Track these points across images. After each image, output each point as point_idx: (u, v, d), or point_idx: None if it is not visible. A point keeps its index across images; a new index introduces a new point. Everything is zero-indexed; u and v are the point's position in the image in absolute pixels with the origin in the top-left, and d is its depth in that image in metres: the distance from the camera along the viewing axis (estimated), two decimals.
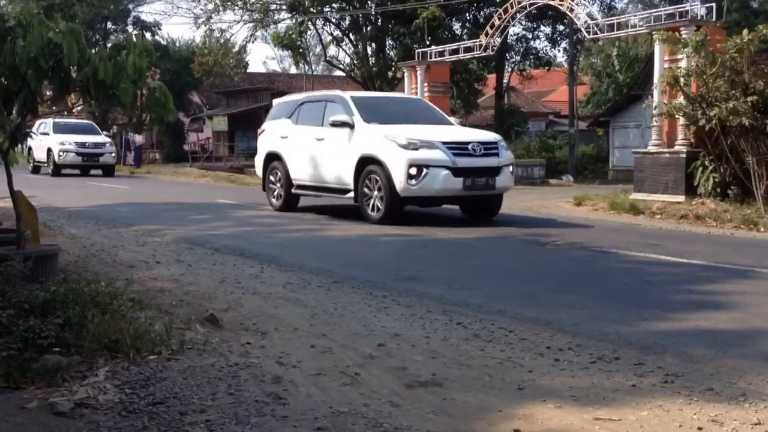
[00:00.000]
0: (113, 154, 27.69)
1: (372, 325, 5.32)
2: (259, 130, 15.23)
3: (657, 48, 16.39)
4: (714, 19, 16.47)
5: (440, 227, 11.48)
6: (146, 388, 3.82)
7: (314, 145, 13.02)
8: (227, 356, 4.41)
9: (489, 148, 11.78)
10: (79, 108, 38.89)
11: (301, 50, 34.96)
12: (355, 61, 31.01)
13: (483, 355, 4.63)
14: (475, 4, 29.41)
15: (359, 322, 5.41)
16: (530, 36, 32.24)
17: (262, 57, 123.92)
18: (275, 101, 15.70)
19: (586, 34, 20.15)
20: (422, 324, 5.40)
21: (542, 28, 31.90)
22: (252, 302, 6.02)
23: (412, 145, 11.41)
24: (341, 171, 12.36)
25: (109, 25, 44.75)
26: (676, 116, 15.21)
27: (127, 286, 5.57)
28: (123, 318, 4.65)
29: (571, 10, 19.84)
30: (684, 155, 15.11)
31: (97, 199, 16.57)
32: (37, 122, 25.52)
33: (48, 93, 6.11)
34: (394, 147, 11.46)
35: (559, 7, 20.42)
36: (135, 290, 5.91)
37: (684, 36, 15.20)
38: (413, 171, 11.25)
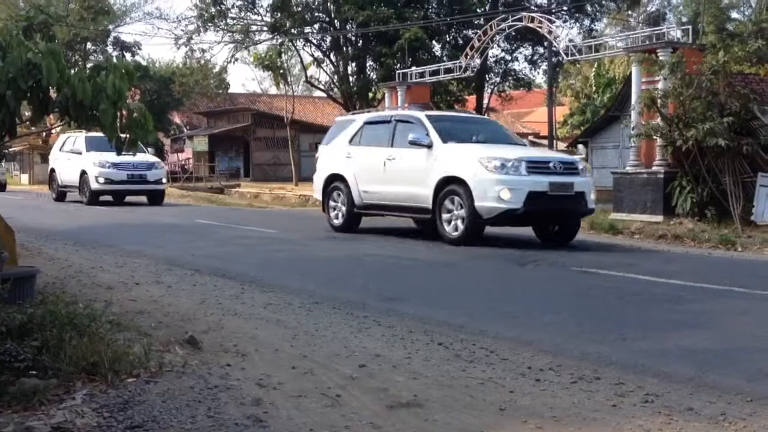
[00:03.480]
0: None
1: (353, 346, 5.30)
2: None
3: (634, 70, 16.61)
4: (690, 41, 16.73)
5: (424, 247, 11.49)
6: (124, 412, 3.78)
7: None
8: (207, 378, 4.37)
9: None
10: (58, 128, 38.69)
11: (281, 71, 35.04)
12: (336, 82, 31.11)
13: (464, 375, 4.63)
14: (455, 26, 29.64)
15: (340, 343, 5.39)
16: (509, 58, 32.51)
17: (242, 78, 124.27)
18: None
19: (564, 56, 20.37)
20: (403, 344, 5.39)
21: (521, 50, 32.19)
22: (232, 323, 5.98)
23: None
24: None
25: (89, 45, 44.63)
26: (654, 137, 15.38)
27: (105, 308, 5.52)
28: (101, 340, 4.60)
29: (550, 32, 20.06)
30: (662, 176, 15.27)
31: (76, 219, 16.45)
32: None
33: (27, 113, 6.07)
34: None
35: (538, 29, 20.64)
36: (114, 312, 5.85)
37: (661, 58, 15.41)
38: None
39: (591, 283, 8.41)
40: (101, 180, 21.06)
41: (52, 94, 5.06)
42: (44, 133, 41.75)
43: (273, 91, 49.39)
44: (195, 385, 4.23)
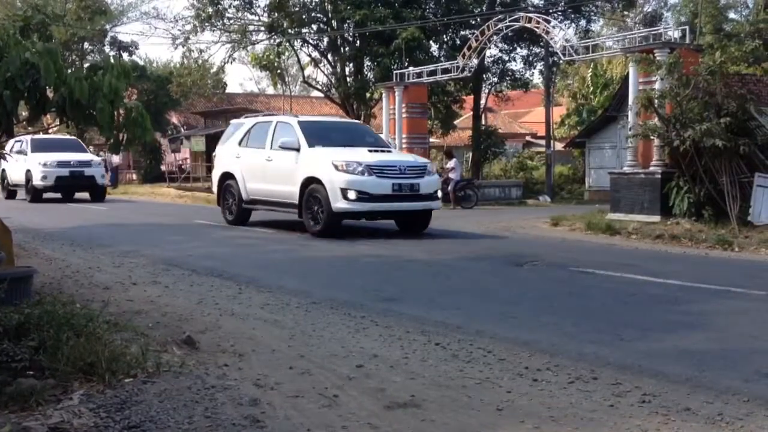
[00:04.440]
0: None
1: (350, 346, 5.30)
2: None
3: (632, 70, 16.62)
4: (687, 41, 16.75)
5: (419, 248, 11.49)
6: (122, 412, 3.77)
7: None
8: (204, 378, 4.37)
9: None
10: (55, 128, 38.60)
11: (279, 71, 35.03)
12: (333, 82, 31.15)
13: (462, 375, 4.63)
14: (452, 27, 29.66)
15: (338, 343, 5.39)
16: (507, 58, 32.53)
17: (240, 78, 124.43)
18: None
19: (561, 56, 20.39)
20: (401, 345, 5.39)
21: (519, 50, 32.21)
22: (230, 324, 5.98)
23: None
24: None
25: (86, 45, 44.56)
26: (651, 137, 15.39)
27: (102, 308, 5.52)
28: (98, 340, 4.60)
29: (547, 33, 20.07)
30: (659, 176, 15.27)
31: (73, 220, 16.43)
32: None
33: (23, 113, 6.07)
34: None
35: (535, 29, 20.65)
36: (111, 312, 5.85)
37: (658, 58, 15.42)
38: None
39: (588, 284, 8.42)
40: (352, 195, 12.55)
41: (49, 93, 5.06)
42: (41, 133, 41.69)
43: (270, 91, 49.38)
44: (192, 385, 4.23)
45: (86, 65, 6.13)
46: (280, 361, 4.87)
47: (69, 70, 5.04)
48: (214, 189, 16.19)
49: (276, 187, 14.01)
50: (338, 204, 12.62)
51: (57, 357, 4.22)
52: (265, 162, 14.23)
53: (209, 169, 41.90)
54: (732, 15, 35.67)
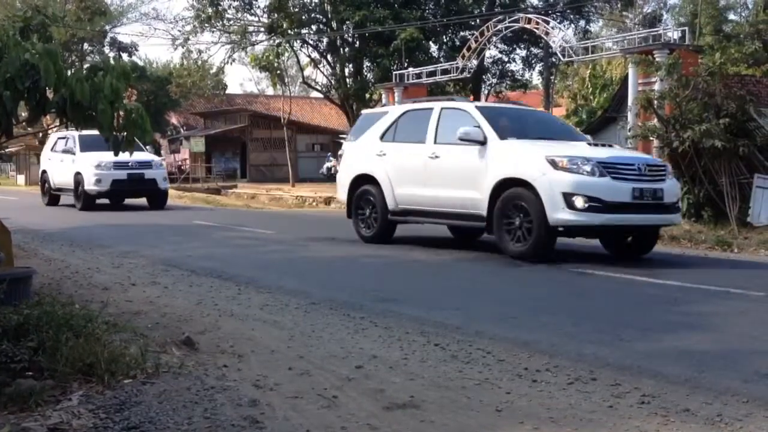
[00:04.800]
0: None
1: (350, 347, 5.30)
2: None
3: (631, 71, 16.66)
4: (687, 42, 16.78)
5: (419, 248, 11.49)
6: (121, 413, 3.77)
7: None
8: (203, 379, 4.37)
9: None
10: (54, 129, 38.65)
11: (278, 72, 35.06)
12: (333, 83, 31.21)
13: (461, 376, 4.63)
14: (451, 27, 29.71)
15: (337, 344, 5.39)
16: (506, 59, 32.62)
17: (240, 79, 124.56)
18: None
19: (561, 57, 20.41)
20: (400, 345, 5.39)
21: (518, 51, 32.29)
22: (229, 324, 5.98)
23: None
24: None
25: (86, 46, 44.63)
26: (651, 138, 15.40)
27: (101, 309, 5.51)
28: (98, 341, 4.60)
29: (547, 34, 20.08)
30: None
31: (72, 220, 16.44)
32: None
33: (23, 114, 6.06)
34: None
35: (535, 30, 20.68)
36: (110, 313, 5.85)
37: (657, 59, 15.45)
38: None
39: (588, 284, 8.42)
40: (579, 203, 9.27)
41: (49, 94, 5.06)
42: (40, 134, 41.69)
43: (270, 91, 49.43)
44: (192, 386, 4.23)
45: (86, 66, 6.13)
46: (279, 361, 4.87)
47: (69, 71, 5.04)
48: (341, 197, 12.68)
49: (445, 193, 10.79)
50: (559, 215, 9.32)
51: (56, 358, 4.22)
52: (427, 160, 10.99)
53: (209, 170, 42.16)
54: (732, 16, 35.74)
